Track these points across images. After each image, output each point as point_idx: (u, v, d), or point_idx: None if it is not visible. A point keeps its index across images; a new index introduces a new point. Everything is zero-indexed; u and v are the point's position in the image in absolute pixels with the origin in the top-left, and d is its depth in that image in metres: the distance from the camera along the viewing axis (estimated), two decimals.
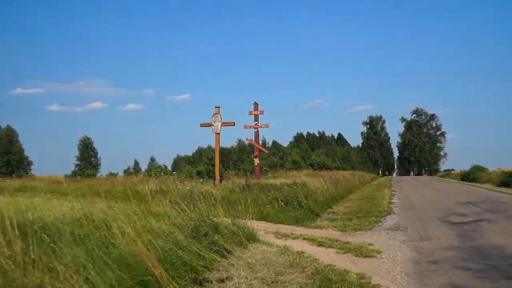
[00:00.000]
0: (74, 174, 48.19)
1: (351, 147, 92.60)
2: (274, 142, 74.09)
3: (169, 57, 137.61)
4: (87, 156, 61.97)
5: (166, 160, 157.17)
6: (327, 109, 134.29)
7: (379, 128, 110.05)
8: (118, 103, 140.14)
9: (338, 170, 50.48)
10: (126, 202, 14.08)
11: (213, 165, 31.45)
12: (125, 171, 53.20)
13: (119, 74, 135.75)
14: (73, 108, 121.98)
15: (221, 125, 23.60)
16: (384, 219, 14.63)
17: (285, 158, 62.03)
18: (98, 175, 52.81)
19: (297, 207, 15.66)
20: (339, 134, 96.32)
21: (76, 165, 60.51)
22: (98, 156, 63.10)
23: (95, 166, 61.62)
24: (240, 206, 12.31)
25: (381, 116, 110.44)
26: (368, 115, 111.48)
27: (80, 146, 62.08)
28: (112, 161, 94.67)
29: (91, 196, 17.93)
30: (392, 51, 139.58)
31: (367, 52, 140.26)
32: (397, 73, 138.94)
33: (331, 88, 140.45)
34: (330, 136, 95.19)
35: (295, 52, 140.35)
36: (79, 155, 61.66)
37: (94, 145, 63.04)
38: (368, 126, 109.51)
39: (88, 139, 62.90)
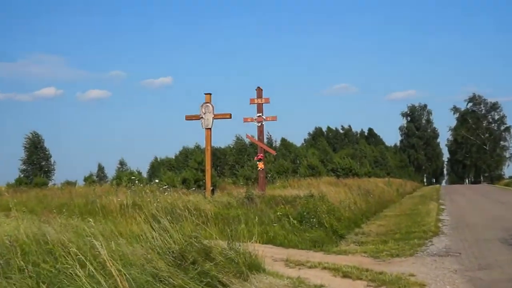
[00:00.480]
0: (18, 182, 48.38)
1: (386, 146, 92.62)
2: (284, 141, 74.12)
3: (144, 29, 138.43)
4: (36, 159, 62.02)
5: (140, 164, 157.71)
6: (355, 96, 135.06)
7: (423, 121, 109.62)
8: (76, 88, 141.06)
9: (369, 177, 50.49)
10: (88, 219, 14.13)
11: (203, 170, 31.47)
12: (86, 179, 53.30)
13: (77, 50, 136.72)
14: (16, 95, 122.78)
15: (213, 118, 23.64)
16: (430, 241, 14.63)
17: (298, 161, 61.98)
18: (50, 184, 52.99)
19: (315, 226, 15.67)
20: (370, 130, 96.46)
21: (22, 171, 60.69)
22: (51, 159, 63.36)
23: (47, 173, 61.80)
24: (239, 225, 12.33)
25: (425, 106, 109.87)
26: (409, 104, 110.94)
27: (27, 146, 62.13)
28: (69, 165, 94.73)
29: (41, 211, 18.00)
30: (441, 23, 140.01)
31: (407, 24, 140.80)
32: (448, 50, 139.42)
33: (360, 67, 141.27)
34: (358, 132, 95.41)
35: (311, 20, 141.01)
36: (25, 158, 61.74)
37: (45, 145, 63.30)
38: (409, 118, 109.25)
39: (38, 136, 63.01)
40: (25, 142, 62.53)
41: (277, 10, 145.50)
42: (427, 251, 13.03)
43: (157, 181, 34.81)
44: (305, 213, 16.18)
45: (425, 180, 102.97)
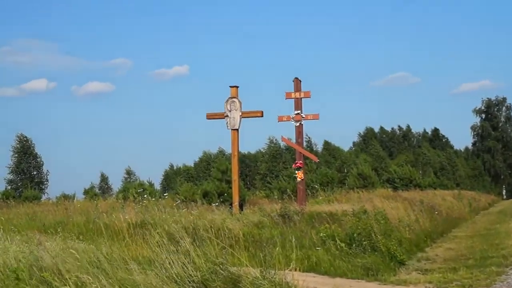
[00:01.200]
0: (5, 195, 48.91)
1: (455, 151, 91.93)
2: (328, 144, 73.89)
3: (153, 9, 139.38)
4: (26, 167, 62.63)
5: (152, 174, 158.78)
6: (416, 88, 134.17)
7: (502, 119, 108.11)
8: (73, 81, 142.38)
9: (434, 189, 50.09)
10: (90, 241, 14.27)
11: (229, 181, 31.57)
12: (86, 192, 53.75)
13: (73, 35, 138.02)
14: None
15: (241, 116, 23.72)
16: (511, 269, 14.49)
17: (346, 169, 61.68)
18: (43, 198, 53.55)
19: (369, 250, 15.61)
20: (436, 130, 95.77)
21: (9, 182, 61.34)
22: (43, 168, 63.93)
23: (39, 184, 62.40)
24: (274, 249, 12.34)
25: (504, 99, 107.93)
26: (484, 98, 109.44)
27: (15, 152, 62.68)
28: (65, 175, 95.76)
29: (33, 231, 18.23)
30: None
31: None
32: None
33: (422, 53, 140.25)
34: (420, 133, 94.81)
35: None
36: (13, 166, 62.39)
37: (37, 150, 63.85)
38: (483, 116, 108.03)
39: (27, 140, 63.60)
40: (12, 147, 62.82)
41: None
42: (507, 281, 12.91)
43: (171, 194, 35.05)
44: (355, 234, 16.11)
45: (504, 192, 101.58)
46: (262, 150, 70.87)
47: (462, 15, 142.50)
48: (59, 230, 18.13)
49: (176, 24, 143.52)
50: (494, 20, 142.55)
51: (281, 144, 68.63)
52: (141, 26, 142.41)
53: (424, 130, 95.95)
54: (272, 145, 69.21)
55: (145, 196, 26.01)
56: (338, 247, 15.54)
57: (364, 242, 15.76)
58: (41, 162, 63.61)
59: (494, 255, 16.77)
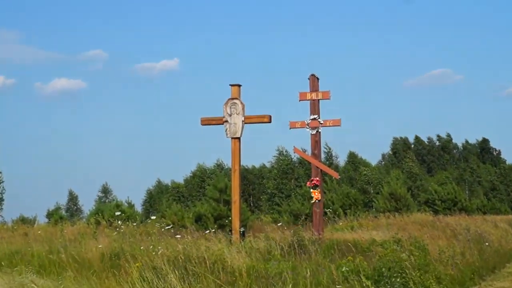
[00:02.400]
0: None
1: (510, 166, 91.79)
2: (353, 156, 73.81)
3: None
4: None
5: (132, 192, 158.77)
6: (460, 88, 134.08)
7: None
8: (37, 76, 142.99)
9: (484, 213, 50.04)
10: (53, 276, 14.16)
11: (228, 202, 31.48)
12: (50, 215, 53.88)
13: (40, 22, 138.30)
14: None
15: (244, 122, 23.66)
16: None
17: (372, 189, 61.58)
18: None
19: None
20: (484, 141, 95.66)
21: None
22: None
23: None
24: (284, 287, 12.30)
25: None
26: None
27: None
28: (24, 193, 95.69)
29: None
30: None
31: None
32: None
33: (467, 48, 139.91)
34: (465, 144, 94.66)
35: None
36: None
37: None
38: None
39: None
40: None
41: None
42: None
43: (156, 217, 35.02)
44: (384, 269, 16.03)
45: None
46: (269, 164, 70.84)
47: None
48: (15, 262, 18.12)
49: (163, 8, 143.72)
50: None
51: (293, 157, 68.64)
52: (120, 10, 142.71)
53: (466, 141, 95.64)
54: (282, 157, 69.13)
55: (123, 220, 25.95)
56: (364, 285, 15.45)
57: (394, 280, 15.67)
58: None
59: None
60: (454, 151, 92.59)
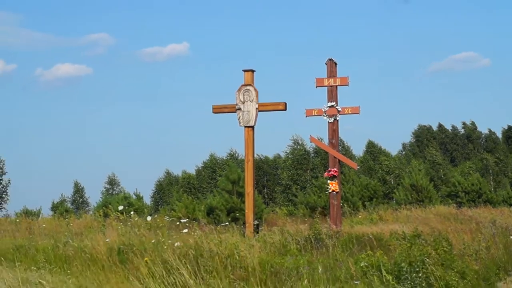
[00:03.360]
0: None
1: None
2: (371, 146, 73.64)
3: None
4: None
5: (141, 184, 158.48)
6: (486, 72, 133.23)
7: None
8: (38, 62, 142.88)
9: (511, 206, 49.83)
10: (60, 271, 14.25)
11: (242, 194, 31.52)
12: (55, 207, 54.02)
13: (40, 4, 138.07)
14: None
15: (258, 110, 23.67)
16: None
17: (393, 180, 61.46)
18: (1, 214, 53.78)
19: (423, 284, 15.54)
20: (510, 129, 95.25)
21: None
22: (4, 179, 63.90)
23: None
24: (300, 282, 12.34)
25: None
26: None
27: None
28: (28, 185, 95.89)
29: None
30: None
31: None
32: None
33: (495, 26, 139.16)
34: (489, 133, 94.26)
35: None
36: None
37: None
38: None
39: None
40: None
41: None
42: None
43: (165, 210, 35.12)
44: (405, 264, 16.04)
45: None
46: (284, 154, 70.75)
47: None
48: (19, 257, 18.22)
49: None
50: None
51: (309, 146, 68.60)
52: None
53: (489, 130, 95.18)
54: (297, 147, 69.05)
55: (133, 213, 26.02)
56: (384, 280, 15.47)
57: (416, 275, 15.68)
58: (2, 171, 63.55)
59: None
60: (479, 140, 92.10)
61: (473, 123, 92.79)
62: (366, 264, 16.14)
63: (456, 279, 15.87)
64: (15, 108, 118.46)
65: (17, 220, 37.12)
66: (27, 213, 46.70)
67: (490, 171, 75.61)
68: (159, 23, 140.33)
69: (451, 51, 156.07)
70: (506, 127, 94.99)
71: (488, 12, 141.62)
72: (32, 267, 14.81)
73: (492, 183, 61.71)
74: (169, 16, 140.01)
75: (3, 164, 63.43)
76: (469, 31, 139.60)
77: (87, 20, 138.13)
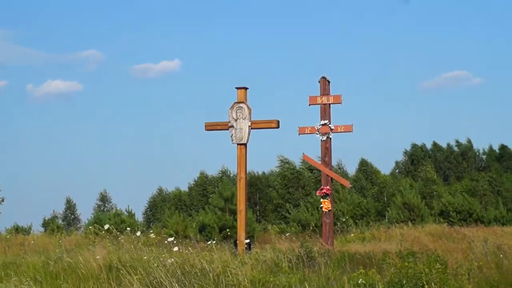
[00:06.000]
0: None
1: None
2: (364, 165, 73.78)
3: None
4: None
5: (133, 200, 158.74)
6: (478, 91, 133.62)
7: None
8: (29, 78, 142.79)
9: (503, 225, 49.98)
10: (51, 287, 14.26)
11: (234, 212, 31.53)
12: (46, 224, 54.00)
13: (32, 20, 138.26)
14: None
15: (250, 127, 23.70)
16: None
17: (386, 198, 61.52)
18: None
19: None
20: (503, 148, 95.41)
21: None
22: None
23: None
24: None
25: None
26: None
27: None
28: (19, 201, 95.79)
29: None
30: None
31: None
32: None
33: (487, 45, 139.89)
34: (483, 150, 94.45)
35: None
36: None
37: None
38: None
39: None
40: None
41: None
42: None
43: (156, 227, 35.13)
44: (403, 281, 16.10)
45: None
46: (275, 171, 70.79)
47: None
48: (10, 273, 18.22)
49: (162, 6, 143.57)
50: None
51: (299, 164, 68.61)
52: (116, 8, 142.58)
53: (490, 147, 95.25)
54: (288, 165, 69.09)
55: (125, 230, 26.01)
56: None
57: None
58: None
59: None
60: (474, 158, 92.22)
61: (469, 141, 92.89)
62: (361, 281, 16.18)
63: None
64: (6, 123, 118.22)
65: (8, 237, 37.10)
66: (17, 229, 46.69)
67: (482, 190, 75.70)
68: (151, 40, 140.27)
69: (443, 68, 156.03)
70: (499, 145, 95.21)
71: (479, 31, 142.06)
72: (24, 283, 14.80)
73: (482, 202, 61.69)
74: (160, 34, 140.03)
75: None
76: (461, 49, 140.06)
77: (78, 37, 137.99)
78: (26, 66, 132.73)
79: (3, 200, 62.83)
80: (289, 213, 53.51)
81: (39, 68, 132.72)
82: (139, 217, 64.92)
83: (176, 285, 9.44)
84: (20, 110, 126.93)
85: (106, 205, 73.28)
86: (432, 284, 16.02)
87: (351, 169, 73.64)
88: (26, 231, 45.69)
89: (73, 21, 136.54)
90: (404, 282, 16.03)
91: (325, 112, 24.78)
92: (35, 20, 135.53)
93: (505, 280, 23.36)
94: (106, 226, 26.46)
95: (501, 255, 27.11)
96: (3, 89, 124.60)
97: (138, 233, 23.52)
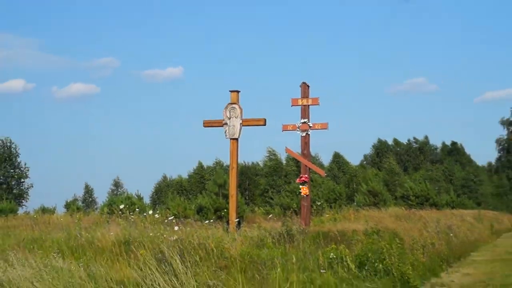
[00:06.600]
0: None
1: (477, 166, 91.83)
2: (337, 157, 73.99)
3: (145, 3, 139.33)
4: (4, 176, 61.96)
5: (142, 186, 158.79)
6: (434, 95, 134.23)
7: None
8: (53, 81, 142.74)
9: (453, 208, 50.13)
10: (71, 260, 14.28)
11: (226, 196, 31.56)
12: (68, 205, 53.85)
13: (55, 31, 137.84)
14: None
15: (242, 125, 23.73)
16: None
17: (355, 185, 61.74)
18: (21, 211, 53.55)
19: (381, 273, 15.64)
20: (455, 144, 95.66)
21: None
22: (26, 182, 62.68)
23: (19, 197, 61.77)
24: (274, 271, 12.38)
25: None
26: None
27: None
28: (45, 186, 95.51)
29: (8, 247, 18.27)
30: None
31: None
32: None
33: (441, 56, 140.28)
34: (438, 146, 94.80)
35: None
36: None
37: (21, 159, 62.63)
38: (511, 127, 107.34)
39: (10, 144, 62.47)
40: None
41: None
42: None
43: (162, 209, 35.07)
44: (368, 255, 16.16)
45: None
46: (261, 162, 70.94)
47: (483, 15, 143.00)
48: (37, 246, 18.22)
49: (169, 20, 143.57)
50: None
51: (284, 157, 68.74)
52: (130, 22, 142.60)
53: (443, 143, 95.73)
54: (273, 157, 69.28)
55: (135, 210, 26.01)
56: (347, 269, 15.57)
57: (376, 265, 15.82)
58: (24, 173, 62.72)
59: None
60: (430, 152, 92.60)
61: (426, 138, 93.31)
62: (332, 256, 16.23)
63: (409, 270, 16.01)
64: (34, 121, 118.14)
65: (35, 216, 37.02)
66: (44, 210, 46.57)
67: (439, 178, 75.96)
68: (159, 49, 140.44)
69: (405, 76, 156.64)
70: (451, 142, 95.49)
71: (437, 43, 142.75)
72: (49, 256, 14.80)
73: (437, 188, 61.95)
74: (167, 44, 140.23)
75: (28, 170, 62.64)
76: (421, 59, 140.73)
77: (97, 44, 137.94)
78: (51, 71, 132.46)
79: (32, 185, 62.72)
80: (272, 199, 53.60)
81: (62, 73, 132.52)
82: (147, 200, 64.92)
83: (176, 258, 9.43)
84: (46, 109, 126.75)
85: (119, 190, 73.35)
86: (392, 257, 16.07)
87: (326, 160, 73.60)
88: (51, 211, 45.55)
89: (93, 31, 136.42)
90: (369, 255, 16.12)
91: (305, 112, 24.82)
92: (59, 31, 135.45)
93: (453, 254, 23.49)
94: (122, 206, 26.49)
95: (450, 234, 27.29)
96: (32, 91, 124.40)
97: (150, 212, 23.59)
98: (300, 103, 24.91)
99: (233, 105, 23.89)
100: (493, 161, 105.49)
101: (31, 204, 61.51)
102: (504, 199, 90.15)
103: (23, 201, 61.79)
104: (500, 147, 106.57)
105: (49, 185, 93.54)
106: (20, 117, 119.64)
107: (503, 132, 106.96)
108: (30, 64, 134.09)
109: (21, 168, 62.65)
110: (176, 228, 19.62)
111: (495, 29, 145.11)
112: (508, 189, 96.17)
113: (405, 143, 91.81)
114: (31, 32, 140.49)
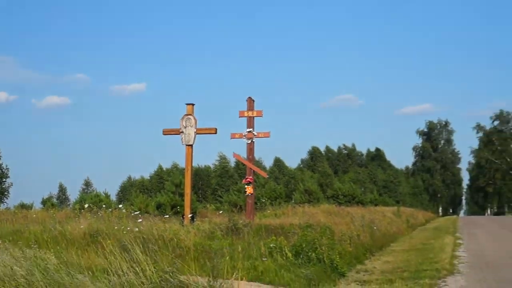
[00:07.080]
0: None
1: (397, 170, 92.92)
2: (278, 161, 74.22)
3: (113, 27, 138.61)
4: None
5: (109, 185, 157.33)
6: (360, 110, 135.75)
7: (442, 140, 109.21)
8: (32, 93, 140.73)
9: (375, 205, 50.66)
10: (46, 249, 14.22)
11: (182, 194, 31.51)
12: (44, 202, 53.16)
13: (33, 49, 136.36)
14: None
15: (196, 133, 23.74)
16: (444, 281, 14.78)
17: (293, 185, 62.06)
18: (2, 207, 52.72)
19: (314, 260, 15.80)
20: (378, 150, 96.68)
21: None
22: (7, 181, 62.10)
23: (0, 194, 61.03)
24: (223, 259, 12.43)
25: (447, 123, 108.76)
26: (427, 120, 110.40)
27: None
28: (24, 185, 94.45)
29: None
30: (463, 25, 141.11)
31: (420, 29, 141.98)
32: (471, 60, 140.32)
33: (367, 76, 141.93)
34: (364, 152, 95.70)
35: (307, 19, 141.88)
36: None
37: (1, 162, 62.13)
38: (425, 137, 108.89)
39: None
40: None
41: (269, 10, 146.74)
42: None
43: (126, 205, 34.82)
44: (303, 245, 16.30)
45: (440, 210, 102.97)
46: (214, 165, 70.96)
47: (402, 43, 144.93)
48: (16, 238, 18.03)
49: (133, 42, 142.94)
50: (430, 47, 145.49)
51: (232, 161, 68.86)
52: (100, 43, 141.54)
53: (368, 150, 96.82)
54: (223, 161, 69.38)
55: (102, 207, 25.82)
56: (285, 257, 15.70)
57: (310, 254, 15.99)
58: (6, 174, 61.88)
59: (428, 268, 17.07)
60: (356, 158, 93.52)
61: (353, 145, 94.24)
62: (272, 246, 16.34)
63: (337, 258, 16.19)
64: (16, 128, 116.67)
65: (15, 211, 36.52)
66: (23, 206, 45.91)
67: (364, 180, 76.73)
68: (125, 67, 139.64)
69: (335, 92, 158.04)
70: (375, 149, 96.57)
71: (365, 61, 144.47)
72: (27, 246, 14.68)
73: (362, 189, 62.51)
74: (132, 62, 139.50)
75: (8, 170, 61.76)
76: (350, 78, 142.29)
77: (68, 61, 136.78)
78: (31, 85, 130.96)
79: (12, 185, 61.78)
80: (222, 197, 53.51)
81: (41, 86, 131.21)
82: (114, 197, 64.41)
83: (137, 248, 9.45)
84: (26, 118, 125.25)
85: (89, 188, 72.48)
86: (323, 247, 16.26)
87: (268, 164, 73.76)
88: (29, 207, 44.89)
89: (67, 51, 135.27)
90: (304, 245, 16.27)
91: (250, 122, 24.88)
92: (38, 49, 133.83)
93: (376, 244, 23.81)
94: (86, 205, 26.33)
95: (374, 227, 27.64)
96: (12, 103, 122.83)
97: (120, 206, 23.35)
98: (246, 115, 24.97)
99: (189, 116, 23.88)
100: (410, 165, 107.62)
101: (11, 201, 60.62)
102: (419, 197, 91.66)
103: (4, 198, 60.80)
104: (416, 153, 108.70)
105: (27, 184, 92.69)
106: (3, 125, 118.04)
107: (418, 141, 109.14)
108: (10, 78, 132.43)
109: (3, 169, 61.84)
110: (140, 220, 19.59)
111: (412, 54, 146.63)
112: (422, 189, 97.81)
113: (336, 150, 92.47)
114: (11, 51, 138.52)
